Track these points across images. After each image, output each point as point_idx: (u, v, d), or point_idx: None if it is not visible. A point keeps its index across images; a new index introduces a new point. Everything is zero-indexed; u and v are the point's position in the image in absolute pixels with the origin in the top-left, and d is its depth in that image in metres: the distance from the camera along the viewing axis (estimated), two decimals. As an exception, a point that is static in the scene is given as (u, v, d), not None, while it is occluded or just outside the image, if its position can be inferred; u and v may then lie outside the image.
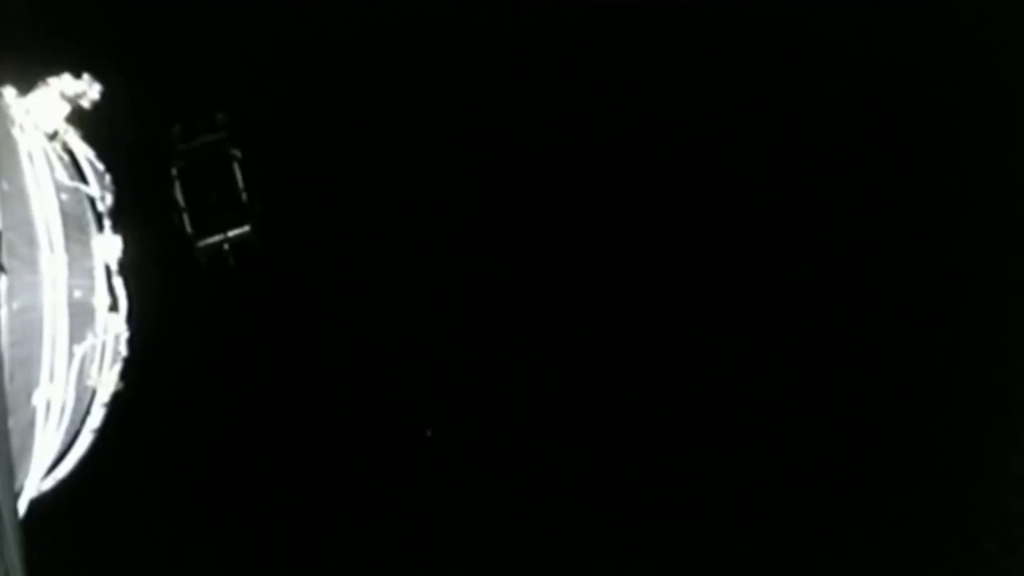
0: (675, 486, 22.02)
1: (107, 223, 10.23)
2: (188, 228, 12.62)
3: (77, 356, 9.07)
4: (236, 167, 12.94)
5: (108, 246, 10.15)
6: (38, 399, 8.46)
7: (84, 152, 10.55)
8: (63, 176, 9.68)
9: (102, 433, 10.27)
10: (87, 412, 10.02)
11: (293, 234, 19.02)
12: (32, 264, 8.33)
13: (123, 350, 10.44)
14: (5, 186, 8.08)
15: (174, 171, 12.66)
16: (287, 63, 19.09)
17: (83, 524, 16.14)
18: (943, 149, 20.36)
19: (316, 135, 19.63)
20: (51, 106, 10.28)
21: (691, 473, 22.06)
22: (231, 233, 12.90)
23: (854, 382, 21.52)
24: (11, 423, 7.05)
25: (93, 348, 9.59)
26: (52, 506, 9.81)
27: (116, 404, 10.36)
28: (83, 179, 10.24)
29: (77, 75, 10.65)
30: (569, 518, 21.66)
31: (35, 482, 9.28)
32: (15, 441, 7.31)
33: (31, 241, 8.41)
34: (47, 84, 10.38)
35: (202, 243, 12.73)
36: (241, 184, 12.92)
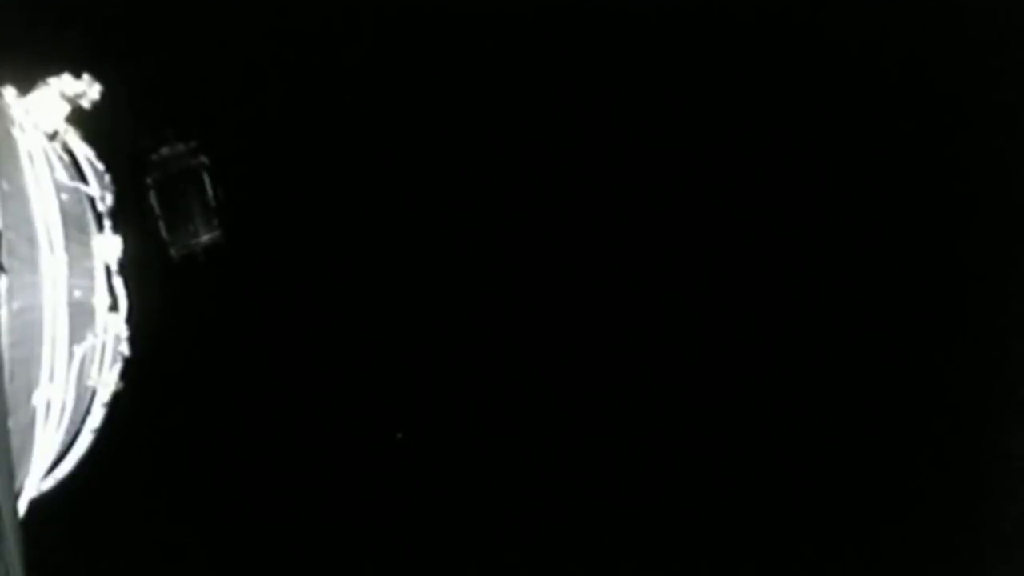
0: (670, 486, 22.01)
1: (107, 223, 10.22)
2: (164, 234, 12.81)
3: (77, 356, 9.06)
4: (206, 175, 13.14)
5: (108, 246, 10.13)
6: (38, 399, 8.45)
7: (84, 152, 10.54)
8: (63, 176, 9.67)
9: (102, 433, 10.26)
10: (87, 412, 10.00)
11: (266, 237, 19.20)
12: (32, 264, 8.32)
13: (124, 350, 10.43)
14: (5, 186, 8.07)
15: (149, 180, 12.82)
16: (258, 71, 19.30)
17: (83, 524, 16.13)
18: (943, 149, 20.36)
19: (287, 141, 19.87)
20: (51, 106, 10.27)
21: (688, 472, 22.05)
22: (204, 238, 13.08)
23: (854, 382, 21.51)
24: (11, 423, 7.04)
25: (93, 348, 9.57)
26: (52, 506, 9.80)
27: (116, 404, 10.36)
28: (83, 179, 10.23)
29: (77, 75, 10.64)
30: (545, 519, 21.72)
31: (35, 482, 9.27)
32: (15, 441, 7.30)
33: (31, 241, 8.40)
34: (47, 84, 10.37)
35: (176, 248, 12.89)
36: (211, 191, 13.12)
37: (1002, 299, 20.18)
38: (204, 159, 13.47)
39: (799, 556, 21.35)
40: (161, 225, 13.02)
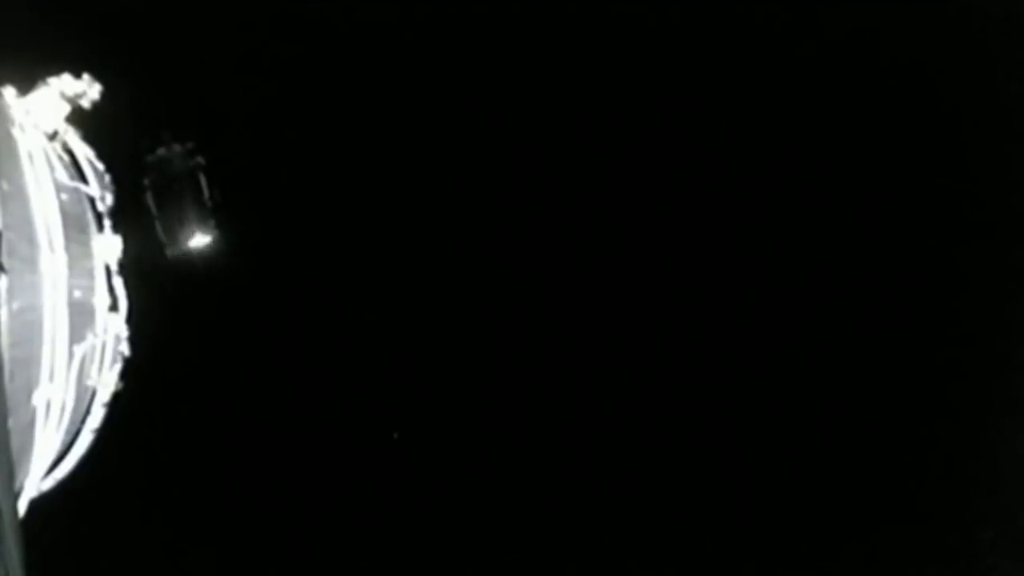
0: (669, 486, 22.01)
1: (107, 223, 10.21)
2: (160, 235, 12.88)
3: (77, 356, 9.05)
4: (202, 176, 13.21)
5: (108, 246, 10.13)
6: (38, 399, 8.44)
7: (84, 152, 10.53)
8: (63, 176, 9.66)
9: (102, 433, 10.26)
10: (87, 412, 9.99)
11: (264, 238, 19.26)
12: (32, 264, 8.32)
13: (124, 350, 10.43)
14: (5, 186, 8.07)
15: (146, 182, 12.88)
16: (255, 72, 19.36)
17: (83, 524, 16.15)
18: (943, 150, 20.37)
19: (285, 142, 19.93)
20: (51, 106, 10.26)
21: (688, 472, 22.04)
22: (200, 240, 13.16)
23: (854, 382, 21.51)
24: (11, 423, 7.03)
25: (93, 348, 9.57)
26: (52, 506, 9.81)
27: (115, 404, 10.36)
28: (83, 179, 10.22)
29: (77, 75, 10.63)
30: (543, 520, 21.73)
31: (35, 482, 9.27)
32: (15, 441, 7.30)
33: (31, 241, 8.40)
34: (47, 84, 10.37)
35: (172, 249, 12.97)
36: (207, 193, 13.18)
37: (1002, 300, 20.19)
38: (201, 161, 13.50)
39: (799, 556, 21.36)
40: (158, 226, 13.07)
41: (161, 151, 13.32)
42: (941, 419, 20.88)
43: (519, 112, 20.71)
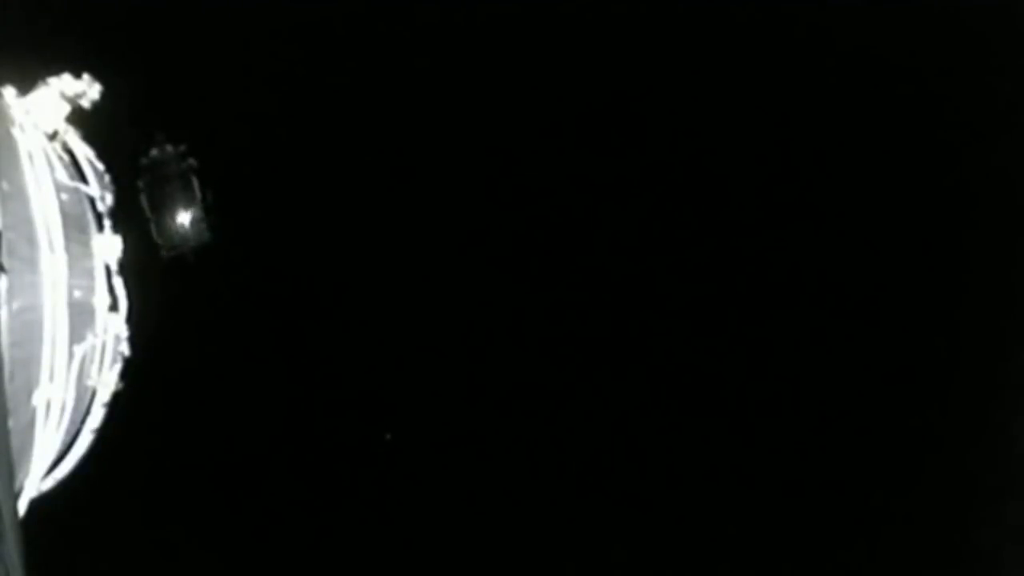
0: (666, 487, 22.02)
1: (107, 223, 10.21)
2: (154, 236, 12.95)
3: (77, 356, 9.05)
4: (195, 177, 13.28)
5: (108, 246, 10.13)
6: (38, 399, 8.44)
7: (84, 152, 10.53)
8: (63, 176, 9.66)
9: (102, 433, 10.26)
10: (87, 412, 9.99)
11: (256, 241, 19.30)
12: (32, 264, 8.32)
13: (124, 350, 10.43)
14: (5, 186, 8.07)
15: (141, 183, 12.94)
16: (249, 74, 19.40)
17: (83, 524, 16.15)
18: (943, 148, 20.38)
19: (279, 142, 19.98)
20: (51, 106, 10.26)
21: (685, 472, 22.06)
22: (193, 240, 13.24)
23: (853, 382, 21.53)
24: (11, 423, 7.03)
25: (93, 348, 9.57)
26: (52, 506, 9.81)
27: (115, 404, 10.36)
28: (83, 179, 10.22)
29: (77, 75, 10.64)
30: (537, 520, 21.77)
31: (35, 482, 9.27)
32: (15, 441, 7.30)
33: (31, 241, 8.40)
34: (47, 84, 10.37)
35: (166, 249, 13.04)
36: (200, 193, 13.25)
37: (1003, 300, 20.21)
38: (193, 162, 13.57)
39: (797, 557, 21.37)
40: (152, 227, 13.13)
41: (155, 152, 13.37)
42: (941, 420, 20.90)
43: (517, 111, 20.72)
